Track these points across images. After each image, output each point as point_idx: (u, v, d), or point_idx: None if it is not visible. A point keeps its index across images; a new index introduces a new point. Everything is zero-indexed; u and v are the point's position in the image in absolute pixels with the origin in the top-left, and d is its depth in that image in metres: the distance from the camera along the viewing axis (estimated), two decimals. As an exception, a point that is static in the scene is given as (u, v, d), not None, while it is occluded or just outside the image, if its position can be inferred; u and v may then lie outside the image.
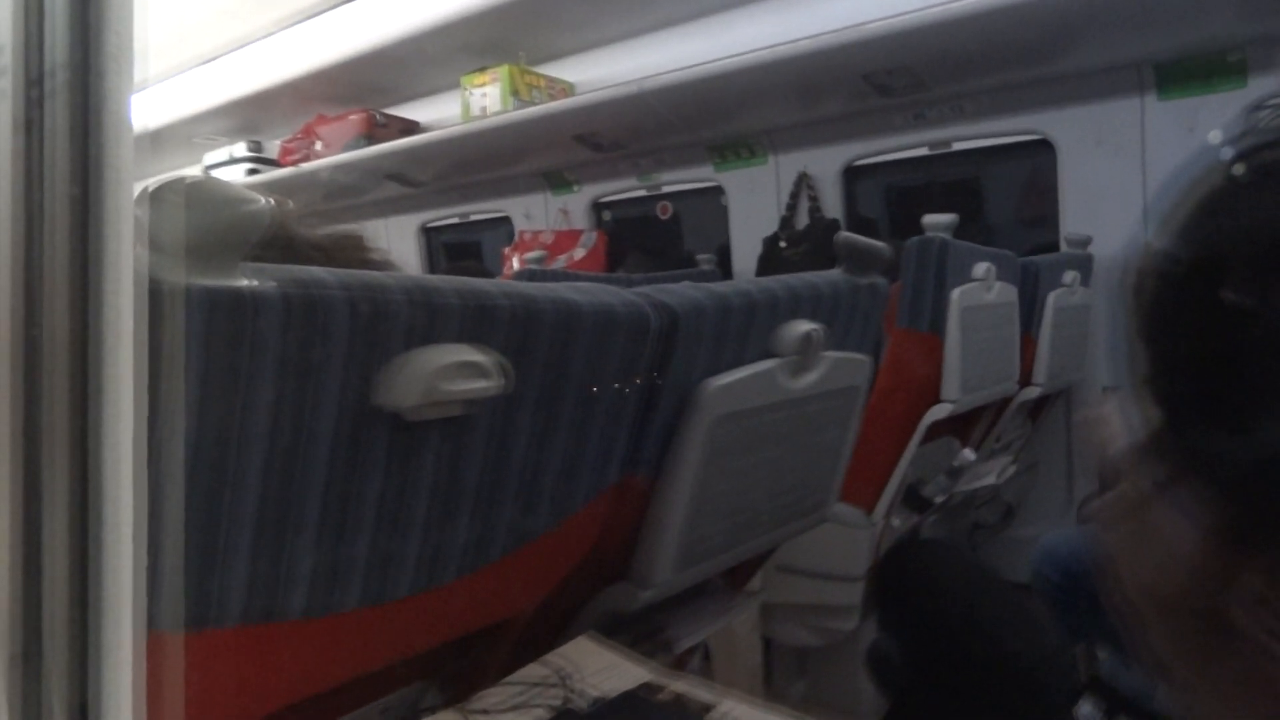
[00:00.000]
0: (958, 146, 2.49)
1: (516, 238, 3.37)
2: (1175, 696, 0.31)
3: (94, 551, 0.28)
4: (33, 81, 0.25)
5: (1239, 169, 0.27)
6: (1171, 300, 0.28)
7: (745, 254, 2.84)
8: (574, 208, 3.32)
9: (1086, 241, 2.13)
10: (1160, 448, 0.28)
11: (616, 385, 0.79)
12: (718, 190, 2.95)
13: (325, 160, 3.38)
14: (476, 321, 0.64)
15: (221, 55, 3.35)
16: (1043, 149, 2.32)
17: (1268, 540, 0.25)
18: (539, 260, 2.79)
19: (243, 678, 0.61)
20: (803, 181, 2.72)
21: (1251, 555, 0.26)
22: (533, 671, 0.74)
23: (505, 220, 3.57)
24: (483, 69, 2.87)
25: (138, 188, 0.32)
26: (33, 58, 0.25)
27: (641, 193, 3.18)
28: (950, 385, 1.56)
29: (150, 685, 0.30)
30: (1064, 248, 2.20)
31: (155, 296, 0.39)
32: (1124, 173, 2.14)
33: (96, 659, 0.28)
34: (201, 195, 0.48)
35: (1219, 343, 0.26)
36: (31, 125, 0.25)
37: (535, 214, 3.43)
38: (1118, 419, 0.31)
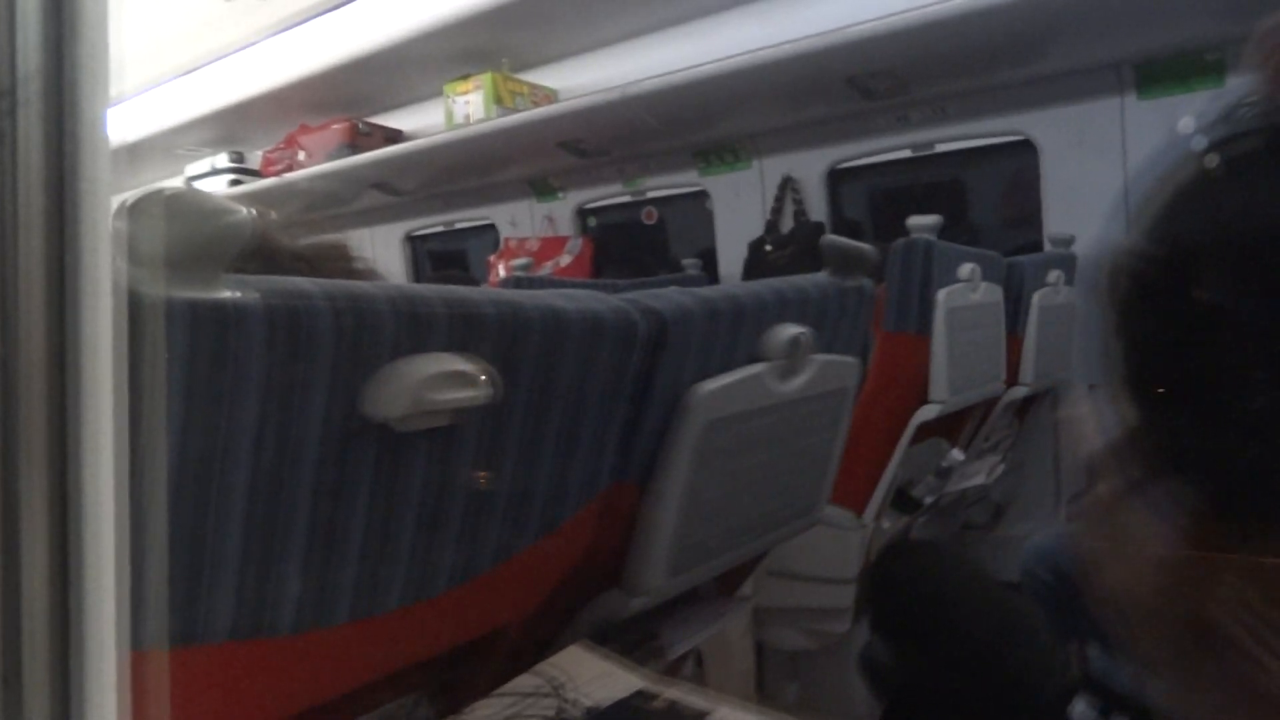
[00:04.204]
0: (941, 148, 2.50)
1: (502, 245, 3.36)
2: (1165, 695, 0.31)
3: (75, 570, 0.27)
4: (4, 92, 0.25)
5: (1210, 162, 0.27)
6: (1144, 298, 0.28)
7: (731, 258, 2.85)
8: (559, 214, 3.31)
9: (1070, 241, 2.15)
10: (1135, 447, 0.28)
11: (605, 392, 0.79)
12: (703, 195, 2.95)
13: (308, 170, 3.36)
14: (464, 330, 0.64)
15: (202, 65, 3.33)
16: (1025, 150, 2.33)
17: (1244, 541, 0.25)
18: (525, 267, 2.79)
19: (231, 695, 0.61)
20: (787, 185, 2.73)
21: (1228, 556, 0.26)
22: (525, 682, 0.74)
23: (490, 228, 3.57)
24: (465, 76, 2.87)
25: (117, 200, 0.31)
26: (4, 67, 0.25)
27: (627, 198, 3.19)
28: (938, 386, 1.57)
29: (136, 705, 0.30)
30: (1048, 247, 2.22)
31: (135, 310, 0.38)
32: (1105, 172, 2.16)
33: (79, 680, 0.28)
34: (182, 207, 0.47)
35: (1192, 340, 0.26)
36: (3, 136, 0.25)
37: (520, 221, 3.42)
38: (1096, 418, 0.30)
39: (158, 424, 0.45)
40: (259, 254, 0.70)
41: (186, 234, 0.47)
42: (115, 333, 0.27)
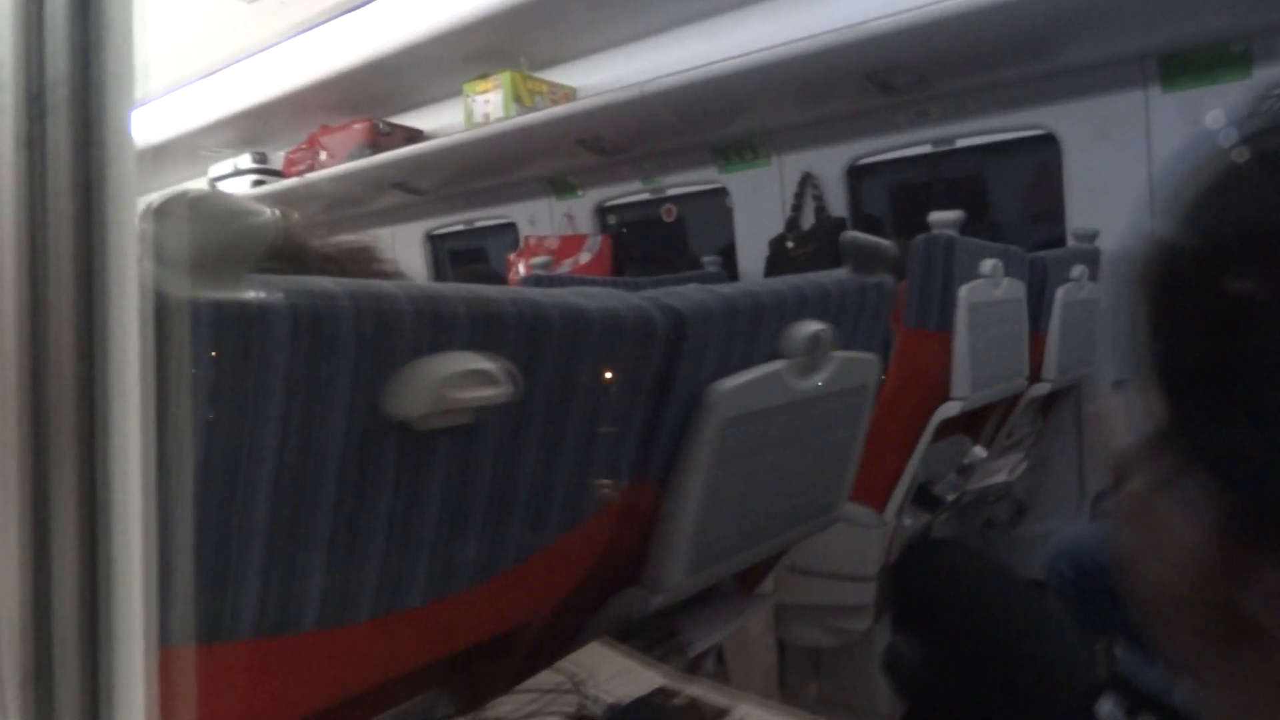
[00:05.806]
0: (962, 143, 2.48)
1: (522, 243, 3.37)
2: (1197, 693, 0.31)
3: (104, 568, 0.28)
4: (33, 97, 0.25)
5: (1242, 155, 0.27)
6: (1176, 290, 0.28)
7: (751, 254, 2.84)
8: (578, 212, 3.32)
9: (1093, 236, 2.12)
10: (1168, 441, 0.28)
11: (625, 389, 0.79)
12: (722, 192, 2.95)
13: (330, 170, 3.38)
14: (484, 329, 0.64)
15: (225, 68, 3.37)
16: (1047, 144, 2.31)
17: (1278, 533, 0.25)
18: (545, 265, 2.79)
19: (256, 691, 0.61)
20: (807, 181, 2.72)
21: (1264, 549, 0.25)
22: (546, 679, 0.74)
23: (510, 226, 3.58)
24: (485, 76, 2.87)
25: (141, 202, 0.31)
26: (33, 73, 0.25)
27: (646, 196, 3.18)
28: (960, 383, 1.56)
29: (163, 701, 0.30)
30: (1071, 242, 2.19)
31: (161, 310, 0.38)
32: (1129, 166, 2.13)
33: (108, 676, 0.28)
34: (207, 209, 0.48)
35: (1225, 333, 0.26)
36: (33, 141, 0.25)
37: (540, 219, 3.43)
38: (1127, 413, 0.30)
39: (184, 422, 0.45)
40: (287, 254, 0.71)
41: (211, 235, 0.48)
42: (142, 332, 0.28)
